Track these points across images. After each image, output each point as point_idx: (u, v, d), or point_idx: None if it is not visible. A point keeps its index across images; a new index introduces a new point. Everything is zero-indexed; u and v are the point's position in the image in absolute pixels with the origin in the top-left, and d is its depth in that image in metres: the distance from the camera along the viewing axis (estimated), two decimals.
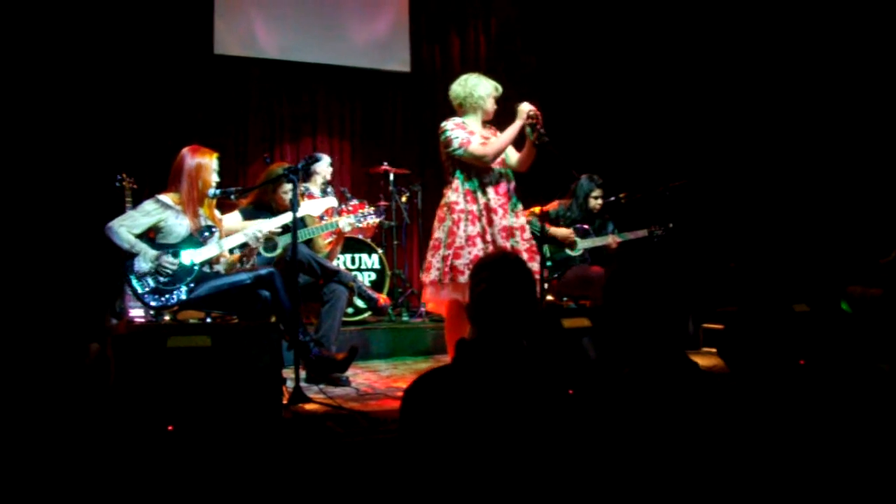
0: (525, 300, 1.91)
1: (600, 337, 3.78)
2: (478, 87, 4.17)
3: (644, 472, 1.62)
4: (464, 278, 3.91)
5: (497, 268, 1.95)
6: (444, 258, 4.05)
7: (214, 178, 4.07)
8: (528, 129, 4.09)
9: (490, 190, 4.10)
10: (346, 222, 4.63)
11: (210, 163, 4.05)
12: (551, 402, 1.78)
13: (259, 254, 4.44)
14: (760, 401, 3.51)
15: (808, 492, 2.56)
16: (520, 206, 4.24)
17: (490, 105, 4.19)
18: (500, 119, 4.28)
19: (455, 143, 4.06)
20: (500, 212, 4.09)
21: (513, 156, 4.25)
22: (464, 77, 4.25)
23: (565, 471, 1.67)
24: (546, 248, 5.24)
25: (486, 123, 4.27)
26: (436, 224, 4.18)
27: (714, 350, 5.05)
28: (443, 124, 4.15)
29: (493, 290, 1.90)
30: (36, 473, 2.54)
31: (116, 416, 3.00)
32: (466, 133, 4.08)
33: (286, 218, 4.31)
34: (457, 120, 4.16)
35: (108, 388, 3.08)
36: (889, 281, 4.73)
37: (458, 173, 4.12)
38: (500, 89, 4.23)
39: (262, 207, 4.66)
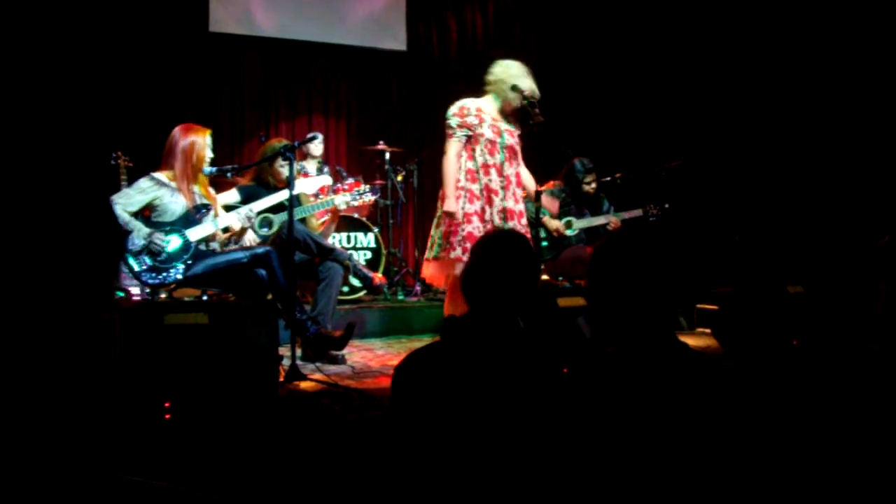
0: (518, 278, 1.90)
1: (595, 316, 3.80)
2: (518, 81, 4.13)
3: (629, 453, 1.63)
4: (455, 253, 4.00)
5: (491, 244, 1.95)
6: (445, 235, 4.11)
7: (208, 155, 4.07)
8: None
9: (493, 171, 4.10)
10: (342, 200, 4.63)
11: (203, 140, 4.04)
12: (542, 381, 1.79)
13: (255, 232, 4.45)
14: (753, 381, 3.54)
15: (799, 472, 2.58)
16: (519, 192, 4.24)
17: (517, 102, 4.14)
18: None
19: (447, 130, 4.13)
20: (502, 193, 4.10)
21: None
22: (513, 63, 4.20)
23: (552, 449, 1.68)
24: (542, 228, 5.27)
25: (504, 114, 4.25)
26: (438, 203, 4.21)
27: (708, 331, 5.08)
28: (451, 108, 4.16)
29: (481, 266, 1.90)
30: (36, 450, 2.56)
31: (114, 392, 3.01)
32: (456, 131, 4.10)
33: (279, 196, 4.32)
34: (466, 103, 4.14)
35: (113, 360, 3.09)
36: (886, 264, 4.75)
37: (462, 152, 4.14)
38: (537, 94, 4.17)
39: (262, 184, 4.66)
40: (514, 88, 4.10)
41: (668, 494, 1.60)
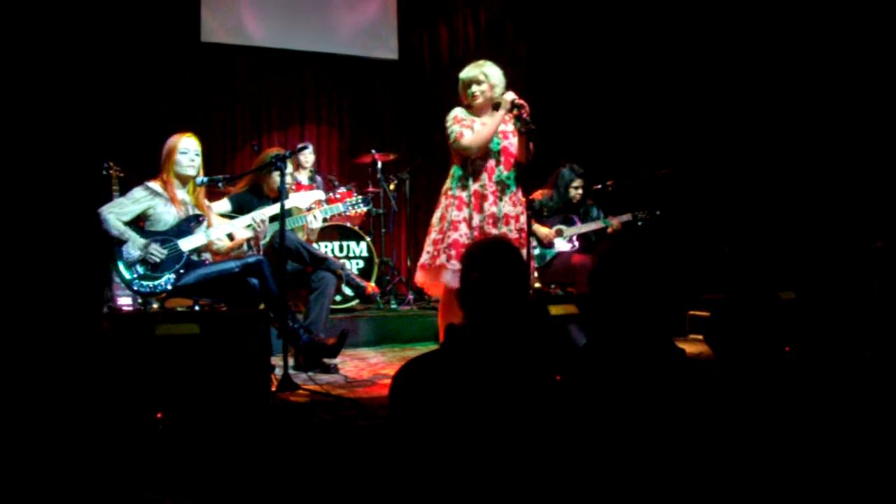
0: (517, 288, 1.91)
1: (587, 324, 3.81)
2: (461, 77, 4.20)
3: (626, 458, 1.63)
4: (440, 260, 4.03)
5: (491, 255, 1.95)
6: (434, 242, 4.12)
7: (188, 159, 4.01)
8: (514, 121, 4.11)
9: (483, 176, 4.10)
10: (311, 218, 4.57)
11: (178, 142, 4.01)
12: (539, 389, 1.79)
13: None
14: (746, 387, 3.54)
15: (792, 477, 2.58)
16: (520, 195, 4.21)
17: (477, 91, 4.12)
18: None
19: (451, 138, 4.09)
20: (491, 198, 4.09)
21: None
22: (466, 67, 4.24)
23: (552, 457, 1.68)
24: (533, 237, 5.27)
25: (496, 110, 4.22)
26: (435, 210, 4.23)
27: (701, 337, 5.09)
28: (447, 116, 4.17)
29: (486, 279, 1.90)
30: (32, 461, 2.55)
31: (106, 403, 3.00)
32: (460, 126, 4.08)
33: (275, 208, 4.31)
34: (456, 111, 4.15)
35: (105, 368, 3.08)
36: (878, 267, 4.77)
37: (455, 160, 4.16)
38: (474, 73, 4.13)
39: (256, 193, 4.66)
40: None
41: (663, 499, 1.60)
